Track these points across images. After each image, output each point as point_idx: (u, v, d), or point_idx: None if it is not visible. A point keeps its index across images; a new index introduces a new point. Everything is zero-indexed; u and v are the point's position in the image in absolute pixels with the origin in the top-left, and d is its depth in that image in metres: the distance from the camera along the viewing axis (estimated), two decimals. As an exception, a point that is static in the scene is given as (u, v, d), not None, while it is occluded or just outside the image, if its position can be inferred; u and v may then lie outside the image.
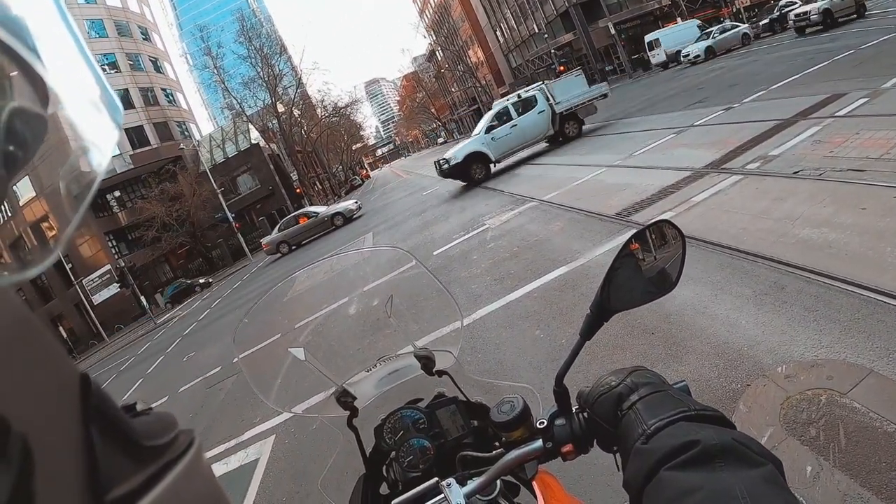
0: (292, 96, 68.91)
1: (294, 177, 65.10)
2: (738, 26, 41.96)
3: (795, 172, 7.62)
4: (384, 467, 1.59)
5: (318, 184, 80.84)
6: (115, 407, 0.47)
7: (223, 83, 64.18)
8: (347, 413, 1.63)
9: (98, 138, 0.46)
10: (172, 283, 45.26)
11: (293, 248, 33.65)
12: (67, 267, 42.29)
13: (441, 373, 1.67)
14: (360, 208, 33.64)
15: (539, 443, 1.16)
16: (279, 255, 34.04)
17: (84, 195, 0.46)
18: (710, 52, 40.11)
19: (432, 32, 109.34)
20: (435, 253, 11.89)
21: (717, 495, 0.65)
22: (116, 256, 47.28)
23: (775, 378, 3.81)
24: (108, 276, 40.13)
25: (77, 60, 0.46)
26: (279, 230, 34.80)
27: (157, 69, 62.86)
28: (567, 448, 1.13)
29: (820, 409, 3.39)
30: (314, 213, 34.87)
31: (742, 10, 57.31)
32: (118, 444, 0.45)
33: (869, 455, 2.96)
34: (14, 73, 0.40)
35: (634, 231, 1.20)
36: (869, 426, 3.14)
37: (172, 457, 0.52)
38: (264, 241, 36.51)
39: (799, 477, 3.01)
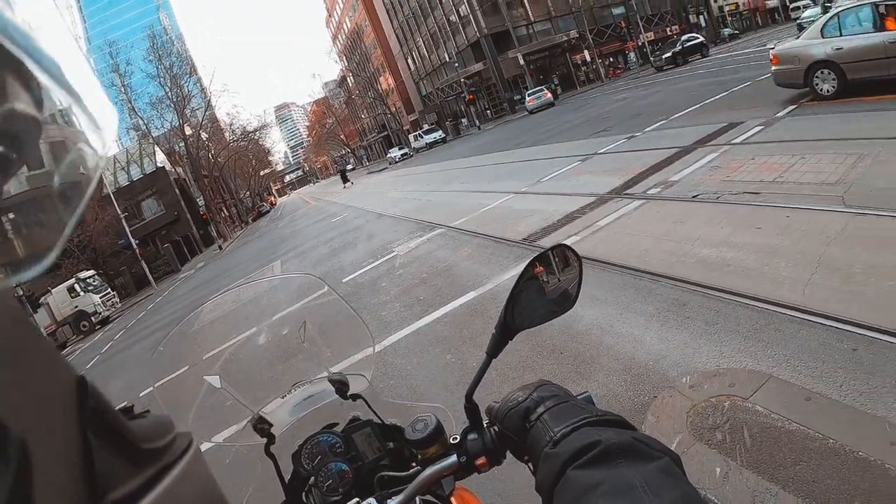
0: (200, 119, 67.36)
1: (200, 202, 63.44)
2: (538, 89, 47.28)
3: (694, 196, 7.96)
4: (304, 493, 1.56)
5: (224, 210, 79.05)
6: (112, 410, 0.48)
7: (130, 102, 61.85)
8: (265, 440, 1.61)
9: (95, 138, 0.47)
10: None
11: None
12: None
13: (356, 396, 1.67)
14: None
15: (454, 458, 1.19)
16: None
17: (82, 195, 0.47)
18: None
19: (344, 58, 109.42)
20: (344, 280, 11.70)
21: (617, 487, 0.69)
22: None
23: (681, 388, 3.96)
24: (3, 305, 37.89)
25: (74, 62, 0.46)
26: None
27: (61, 85, 60.22)
28: (481, 461, 1.16)
29: (724, 414, 3.54)
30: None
31: (647, 44, 60.07)
32: (116, 447, 0.47)
33: (773, 452, 3.12)
34: (9, 76, 0.40)
35: (533, 256, 1.27)
36: (772, 426, 3.31)
37: (170, 459, 0.54)
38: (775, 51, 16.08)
39: (709, 478, 3.12)
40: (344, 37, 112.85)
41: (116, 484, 0.44)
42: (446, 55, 71.69)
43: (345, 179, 52.16)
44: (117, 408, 0.50)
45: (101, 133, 0.48)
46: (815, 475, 2.89)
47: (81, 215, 0.46)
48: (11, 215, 0.46)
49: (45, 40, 0.42)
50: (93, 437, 0.43)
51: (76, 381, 0.45)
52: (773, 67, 13.74)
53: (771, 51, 13.64)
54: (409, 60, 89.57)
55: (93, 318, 30.28)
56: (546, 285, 1.26)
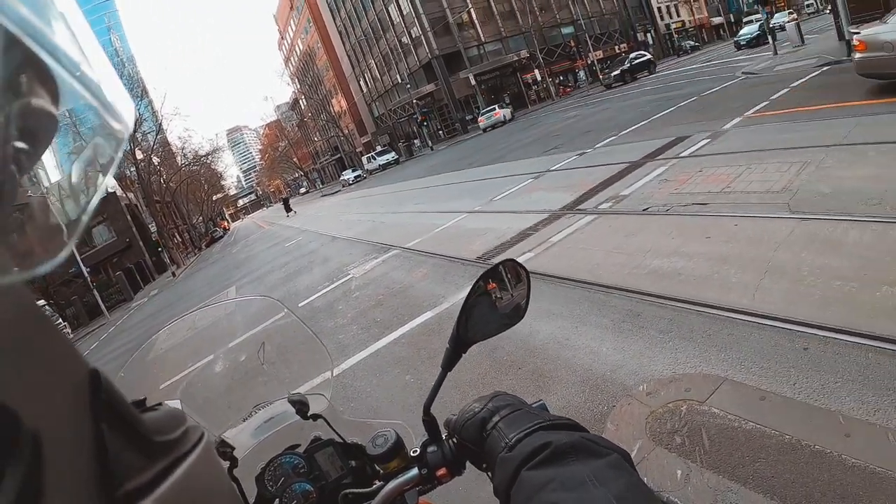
0: (152, 142, 66.29)
1: (153, 228, 62.36)
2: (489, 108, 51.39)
3: (645, 209, 8.10)
4: None
5: (177, 236, 77.78)
6: (125, 402, 0.49)
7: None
8: (227, 464, 1.56)
9: (111, 131, 0.47)
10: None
11: None
12: None
13: (316, 416, 1.66)
14: None
15: (415, 470, 1.22)
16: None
17: (95, 189, 0.47)
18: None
19: (297, 80, 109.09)
20: (300, 305, 11.51)
21: (567, 483, 0.72)
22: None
23: (638, 396, 4.00)
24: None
25: (90, 52, 0.45)
26: None
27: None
28: (441, 472, 1.19)
29: (682, 419, 3.59)
30: None
31: (596, 62, 61.26)
32: (129, 439, 0.48)
33: (732, 452, 3.18)
34: (26, 71, 0.39)
35: (483, 271, 1.30)
36: (729, 427, 3.38)
37: (182, 452, 0.56)
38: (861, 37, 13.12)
39: (671, 481, 3.16)
40: (296, 59, 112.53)
41: (129, 475, 0.45)
42: (398, 76, 71.97)
43: (287, 208, 51.73)
44: (130, 401, 0.51)
45: (118, 125, 0.47)
46: (773, 471, 2.95)
47: (96, 209, 0.46)
48: (27, 210, 0.46)
49: (59, 31, 0.41)
50: (106, 430, 0.44)
51: (89, 374, 0.46)
52: (858, 55, 11.63)
53: (856, 36, 11.93)
54: (362, 82, 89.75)
55: (42, 351, 29.45)
56: (497, 299, 1.29)
